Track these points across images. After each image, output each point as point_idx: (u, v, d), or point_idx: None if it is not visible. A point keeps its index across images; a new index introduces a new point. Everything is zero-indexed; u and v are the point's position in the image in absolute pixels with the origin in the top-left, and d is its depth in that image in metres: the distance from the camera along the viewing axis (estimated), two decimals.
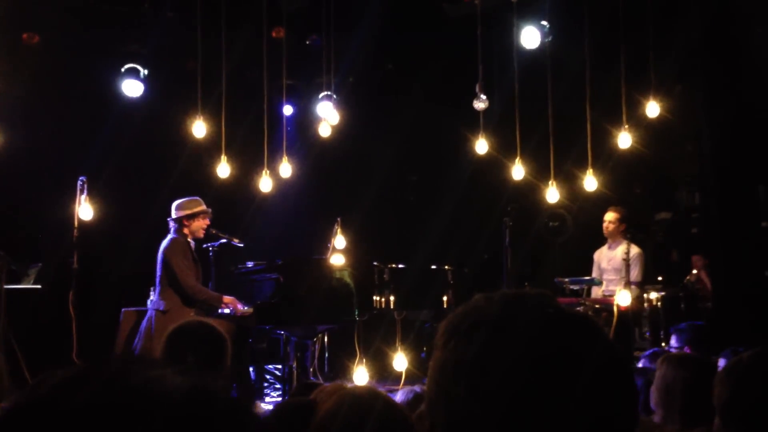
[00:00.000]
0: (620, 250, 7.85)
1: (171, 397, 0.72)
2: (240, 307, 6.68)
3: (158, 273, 6.57)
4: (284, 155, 7.46)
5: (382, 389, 2.24)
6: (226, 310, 6.67)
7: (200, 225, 6.72)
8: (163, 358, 3.23)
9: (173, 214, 6.69)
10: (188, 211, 6.65)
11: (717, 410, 2.17)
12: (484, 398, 0.97)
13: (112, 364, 0.76)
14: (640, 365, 4.34)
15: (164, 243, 6.60)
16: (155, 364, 0.76)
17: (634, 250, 7.67)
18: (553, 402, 0.95)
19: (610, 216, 8.02)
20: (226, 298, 6.69)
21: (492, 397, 0.96)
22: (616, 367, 1.01)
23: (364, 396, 2.01)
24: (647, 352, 4.99)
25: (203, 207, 6.76)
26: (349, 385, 1.93)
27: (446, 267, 7.62)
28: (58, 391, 0.72)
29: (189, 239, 6.69)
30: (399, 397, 3.11)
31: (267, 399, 7.76)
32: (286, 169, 7.48)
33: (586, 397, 0.96)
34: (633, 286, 7.40)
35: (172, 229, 6.68)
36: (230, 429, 0.74)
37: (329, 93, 7.85)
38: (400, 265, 7.39)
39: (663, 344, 7.05)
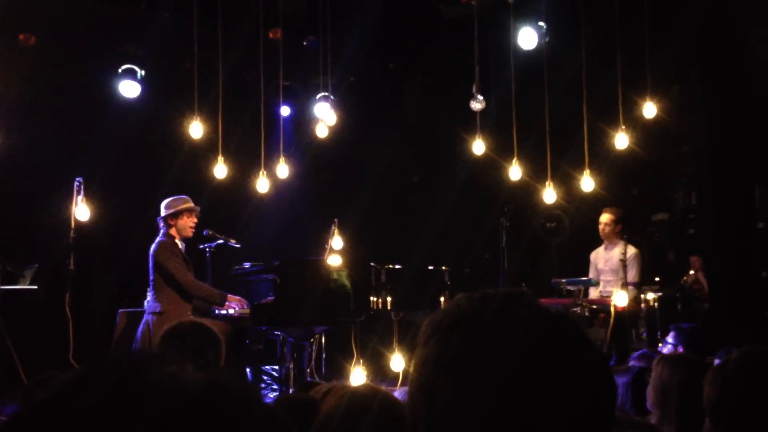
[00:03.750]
0: (617, 250, 7.85)
1: (189, 393, 0.71)
2: (245, 306, 6.67)
3: (150, 276, 6.55)
4: (281, 156, 7.46)
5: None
6: (231, 311, 6.66)
7: (186, 223, 6.66)
8: None
9: (161, 213, 6.68)
10: (171, 210, 6.62)
11: (706, 410, 2.18)
12: (463, 394, 0.97)
13: (127, 360, 0.75)
14: (630, 364, 4.34)
15: (152, 246, 6.57)
16: (170, 360, 0.76)
17: (631, 250, 7.67)
18: (532, 398, 0.96)
19: (605, 217, 8.02)
20: (232, 297, 6.66)
21: (471, 392, 0.97)
22: (593, 363, 1.02)
23: (363, 393, 2.02)
24: (636, 353, 5.00)
25: (188, 205, 6.69)
26: (350, 384, 1.93)
27: (443, 268, 7.61)
28: (74, 388, 0.72)
29: (177, 239, 6.65)
30: (398, 397, 3.11)
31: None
32: (283, 169, 7.48)
33: (564, 393, 0.96)
34: (630, 287, 7.40)
35: (160, 231, 6.66)
36: (249, 422, 0.73)
37: (326, 94, 7.85)
38: (397, 266, 7.38)
39: (660, 344, 7.06)
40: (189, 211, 6.65)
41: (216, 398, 0.72)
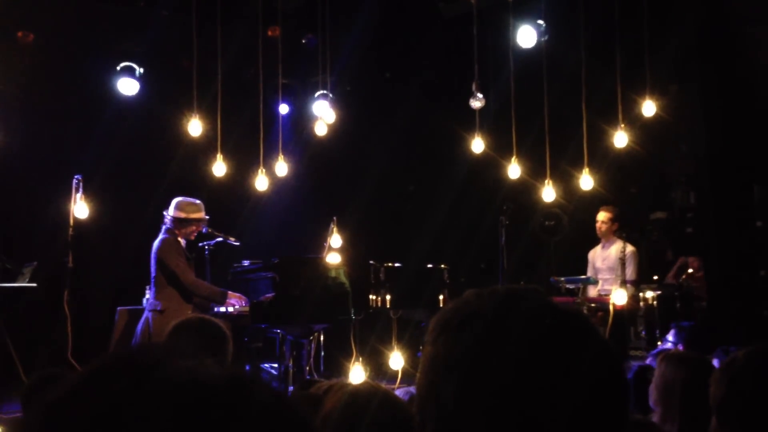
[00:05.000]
0: (614, 249, 7.87)
1: (211, 386, 0.71)
2: (245, 303, 6.67)
3: (152, 273, 6.53)
4: (280, 154, 7.45)
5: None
6: (230, 308, 6.65)
7: (192, 230, 6.67)
8: None
9: (170, 211, 6.63)
10: (182, 215, 6.59)
11: (713, 409, 2.18)
12: (474, 393, 0.97)
13: (146, 354, 0.75)
14: (646, 362, 4.33)
15: (156, 243, 6.55)
16: (190, 355, 0.75)
17: (629, 248, 7.69)
18: (544, 398, 0.95)
19: (602, 216, 8.04)
20: (232, 294, 6.66)
21: (482, 392, 0.96)
22: (608, 364, 1.01)
23: (362, 391, 2.01)
24: (655, 350, 5.00)
25: (200, 215, 6.67)
26: (351, 382, 1.92)
27: (442, 266, 7.61)
28: (96, 382, 0.71)
29: (179, 238, 6.64)
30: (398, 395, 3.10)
31: None
32: (282, 167, 7.47)
33: (578, 393, 0.95)
34: (628, 285, 7.41)
35: (163, 226, 6.62)
36: (271, 416, 0.73)
37: (325, 92, 7.84)
38: (396, 264, 7.39)
39: (659, 343, 7.06)
40: (198, 222, 6.65)
41: (238, 391, 0.72)
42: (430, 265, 7.71)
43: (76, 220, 6.67)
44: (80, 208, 6.63)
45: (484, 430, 0.96)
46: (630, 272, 7.61)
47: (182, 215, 6.57)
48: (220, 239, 7.24)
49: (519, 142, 7.52)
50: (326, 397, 1.96)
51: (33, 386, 3.50)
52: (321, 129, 7.87)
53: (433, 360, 1.02)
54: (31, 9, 8.03)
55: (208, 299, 6.59)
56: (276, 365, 7.82)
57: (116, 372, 0.71)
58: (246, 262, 7.45)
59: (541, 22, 7.55)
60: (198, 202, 6.71)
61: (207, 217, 6.75)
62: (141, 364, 0.72)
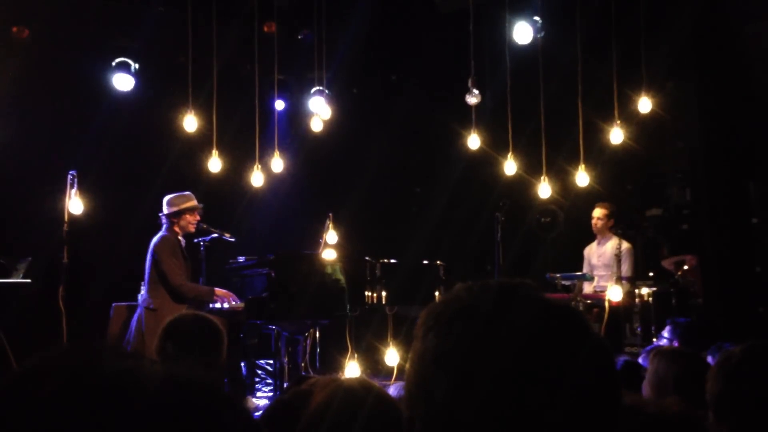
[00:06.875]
0: (610, 245, 7.87)
1: (145, 387, 0.69)
2: (233, 301, 6.66)
3: (147, 269, 6.53)
4: (276, 150, 7.44)
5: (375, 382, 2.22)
6: (218, 305, 6.65)
7: (189, 221, 6.69)
8: (159, 352, 3.21)
9: (164, 210, 6.67)
10: (175, 209, 6.62)
11: (709, 405, 2.18)
12: (462, 389, 0.95)
13: (84, 353, 0.74)
14: (638, 360, 4.33)
15: (155, 240, 6.56)
16: (130, 354, 0.74)
17: (624, 245, 7.69)
18: (538, 393, 0.94)
19: (598, 212, 8.04)
20: (219, 291, 6.66)
21: (474, 388, 0.95)
22: (602, 358, 1.00)
23: (356, 389, 2.00)
24: (646, 348, 4.99)
25: (192, 203, 6.71)
26: (344, 378, 1.91)
27: (438, 262, 7.60)
28: (27, 379, 0.70)
29: (180, 236, 6.65)
30: (391, 392, 3.09)
31: (258, 394, 7.74)
32: (277, 163, 7.46)
33: (572, 388, 0.95)
34: (624, 281, 7.42)
35: (163, 226, 6.66)
36: (208, 418, 0.71)
37: (321, 88, 7.83)
38: (392, 260, 7.37)
39: (654, 339, 7.06)
40: (192, 210, 6.66)
41: (172, 392, 0.70)
42: (426, 262, 7.69)
43: (71, 215, 6.65)
44: (75, 204, 6.61)
45: (476, 426, 0.95)
46: (625, 269, 7.61)
47: (174, 209, 6.60)
48: (216, 235, 7.24)
49: (515, 138, 7.53)
50: (316, 391, 1.95)
51: None
52: (317, 125, 7.86)
53: (422, 356, 1.01)
54: (26, 4, 8.00)
55: (197, 300, 6.58)
56: (271, 362, 7.82)
57: (49, 372, 0.70)
58: (241, 258, 7.44)
59: (537, 18, 7.54)
60: (186, 192, 6.75)
61: (200, 205, 6.75)
62: (75, 364, 0.71)
